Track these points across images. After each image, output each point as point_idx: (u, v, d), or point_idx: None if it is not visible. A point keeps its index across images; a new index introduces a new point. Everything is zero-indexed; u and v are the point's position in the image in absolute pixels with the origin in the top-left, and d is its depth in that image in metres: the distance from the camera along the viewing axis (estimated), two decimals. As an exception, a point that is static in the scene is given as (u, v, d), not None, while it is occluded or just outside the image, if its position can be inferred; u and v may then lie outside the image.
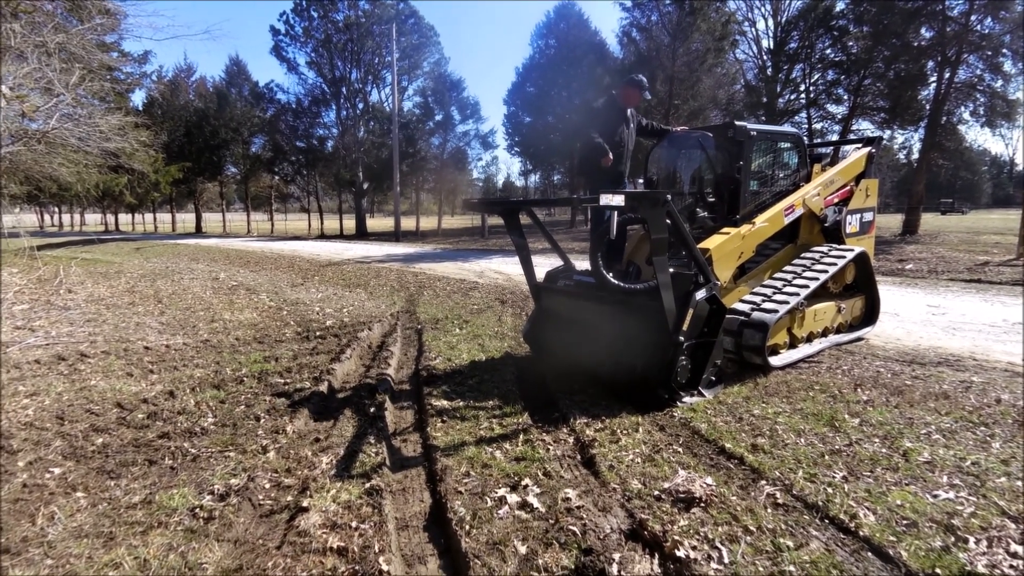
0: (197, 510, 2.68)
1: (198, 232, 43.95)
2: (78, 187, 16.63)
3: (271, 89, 38.78)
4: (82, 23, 12.25)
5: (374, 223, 45.71)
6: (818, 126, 25.36)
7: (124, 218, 58.74)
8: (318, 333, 6.58)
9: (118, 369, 5.18)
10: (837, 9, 23.09)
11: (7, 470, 3.16)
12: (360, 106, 36.10)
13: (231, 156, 41.25)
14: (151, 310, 8.33)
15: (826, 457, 3.19)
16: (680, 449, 3.34)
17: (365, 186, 36.81)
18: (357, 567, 2.24)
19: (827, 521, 2.55)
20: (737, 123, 5.30)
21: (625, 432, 3.58)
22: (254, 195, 47.36)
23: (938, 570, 2.20)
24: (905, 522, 2.53)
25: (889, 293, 8.78)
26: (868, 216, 6.46)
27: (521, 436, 3.53)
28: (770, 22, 24.83)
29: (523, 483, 2.90)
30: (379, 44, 34.35)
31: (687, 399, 4.09)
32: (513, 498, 2.76)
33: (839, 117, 24.62)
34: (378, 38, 34.12)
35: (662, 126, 6.17)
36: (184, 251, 22.15)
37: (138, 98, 36.36)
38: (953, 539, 2.41)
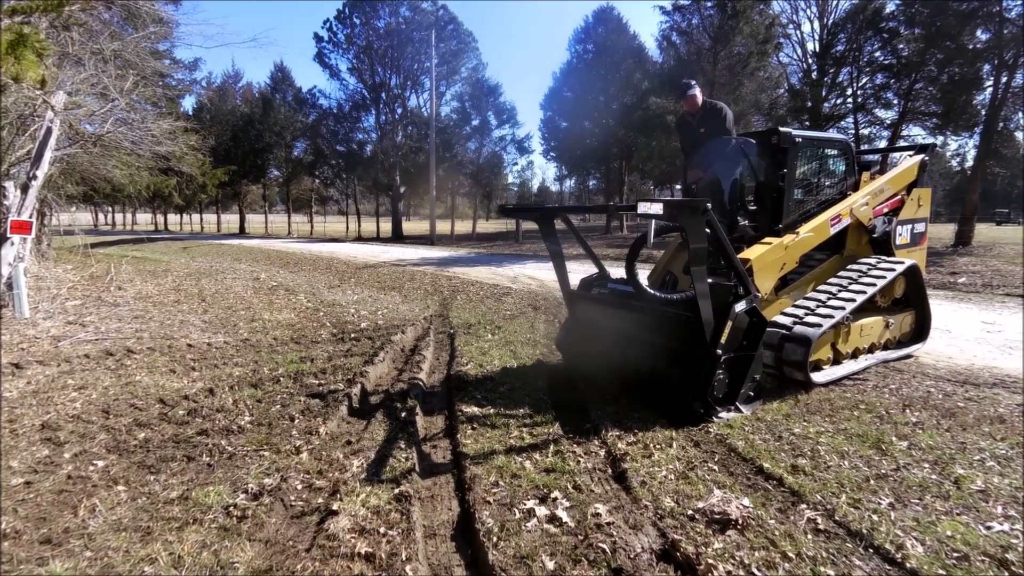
0: (231, 508, 2.73)
1: (241, 233, 45.34)
2: (130, 188, 17.35)
3: (313, 94, 39.82)
4: (137, 31, 12.81)
5: (410, 226, 46.27)
6: (865, 131, 24.50)
7: (172, 218, 61.10)
8: (353, 335, 6.67)
9: (162, 366, 5.35)
10: (887, 10, 22.28)
11: (54, 461, 3.28)
12: (399, 111, 36.65)
13: (274, 159, 42.46)
14: (195, 308, 8.60)
15: (871, 482, 3.05)
16: (715, 467, 3.24)
17: (402, 190, 37.33)
18: (384, 575, 2.23)
19: (872, 551, 2.43)
20: (782, 129, 5.14)
21: (658, 447, 3.50)
22: (295, 197, 48.57)
23: (995, 610, 2.06)
24: (955, 555, 2.39)
25: (941, 308, 8.37)
26: (920, 227, 6.18)
27: (551, 447, 3.48)
28: (816, 24, 24.13)
29: (552, 495, 2.86)
30: (418, 50, 34.82)
31: (724, 414, 3.98)
32: (542, 511, 2.72)
33: (888, 122, 23.75)
34: (418, 44, 34.60)
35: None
36: (228, 251, 22.86)
37: (188, 103, 37.79)
38: (1007, 575, 2.26)
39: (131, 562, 2.34)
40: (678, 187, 6.33)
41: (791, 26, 24.95)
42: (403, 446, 3.47)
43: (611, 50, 32.68)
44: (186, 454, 3.39)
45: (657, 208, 3.43)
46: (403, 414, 4.04)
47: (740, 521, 2.59)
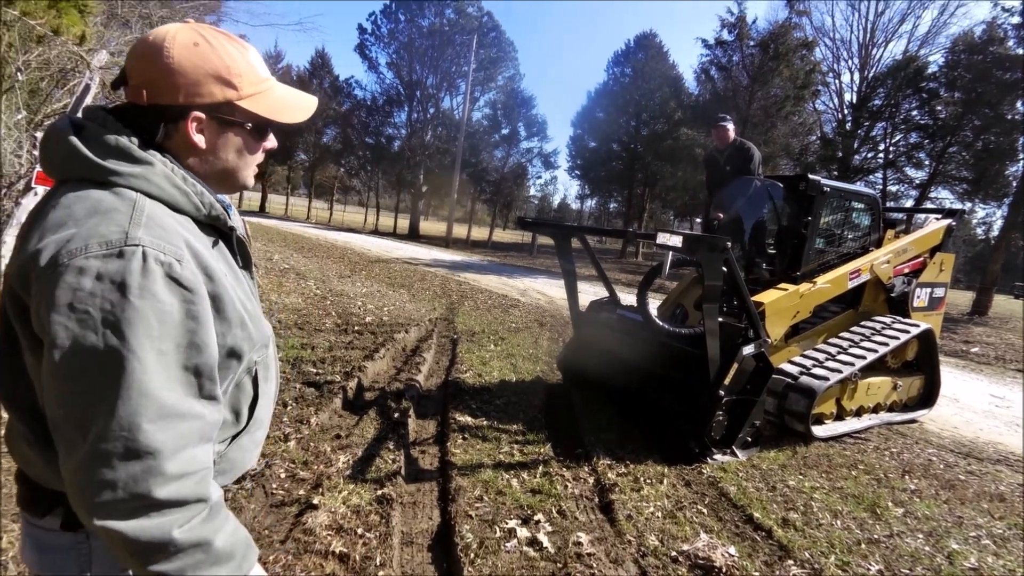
0: (212, 489, 2.70)
1: (261, 211, 45.76)
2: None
3: (350, 84, 40.25)
4: (186, 0, 13.02)
5: (427, 226, 46.45)
6: (893, 188, 24.37)
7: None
8: (356, 328, 6.66)
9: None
10: (929, 71, 22.21)
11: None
12: (431, 110, 36.96)
13: (303, 143, 42.86)
14: (204, 281, 8.64)
15: (863, 546, 2.97)
16: (705, 510, 3.17)
17: (424, 189, 37.54)
18: (355, 578, 2.20)
19: (857, 619, 2.35)
20: (811, 176, 5.09)
21: (649, 481, 3.43)
22: (318, 183, 48.98)
23: None
24: (945, 635, 2.31)
25: (951, 376, 8.23)
26: (939, 292, 6.08)
27: (540, 467, 3.43)
28: (856, 76, 24.17)
29: (535, 518, 2.81)
30: (458, 53, 35.17)
31: (719, 456, 3.90)
32: (523, 532, 2.67)
33: (917, 182, 23.61)
34: (458, 47, 34.95)
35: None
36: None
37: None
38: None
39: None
40: (699, 220, 6.30)
41: (831, 75, 25.02)
42: (392, 447, 3.44)
43: (648, 76, 32.84)
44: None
45: (676, 240, 3.39)
46: (396, 414, 4.00)
47: (724, 570, 2.53)
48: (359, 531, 2.49)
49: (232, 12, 15.81)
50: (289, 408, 3.90)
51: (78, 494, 0.76)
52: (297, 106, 1.07)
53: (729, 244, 3.51)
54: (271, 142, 1.07)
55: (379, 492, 2.84)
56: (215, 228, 0.97)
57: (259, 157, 1.06)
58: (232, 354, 0.94)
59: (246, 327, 0.95)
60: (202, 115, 0.92)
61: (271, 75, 1.05)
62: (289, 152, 42.88)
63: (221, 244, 0.98)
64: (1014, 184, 19.76)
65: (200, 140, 0.94)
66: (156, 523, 0.76)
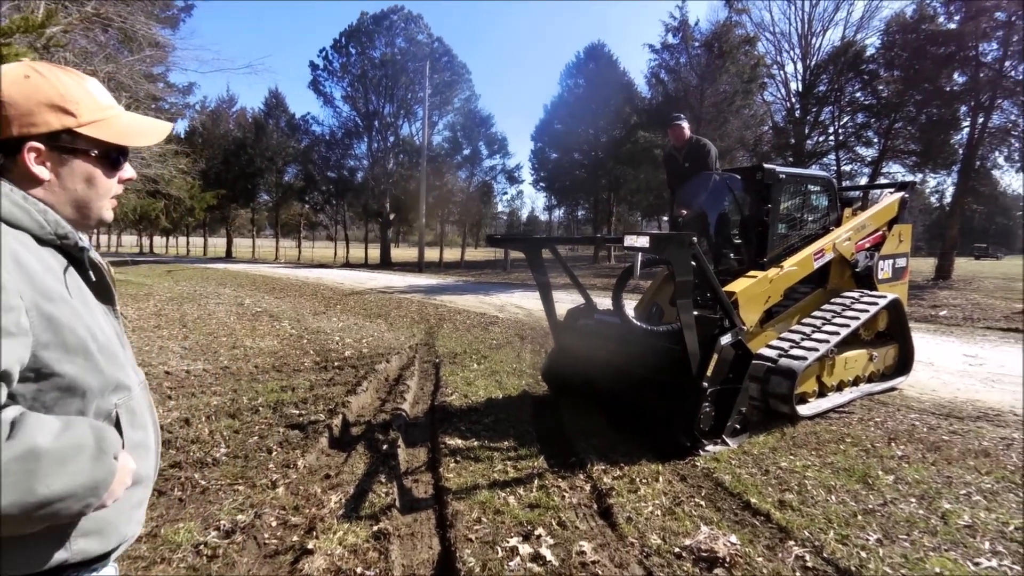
0: (201, 547, 2.62)
1: (228, 257, 45.01)
2: (116, 210, 17.19)
3: (307, 121, 40.19)
4: (132, 54, 12.88)
5: (399, 253, 46.28)
6: (847, 168, 25.17)
7: (158, 241, 60.61)
8: (336, 363, 6.57)
9: (138, 393, 5.20)
10: (868, 53, 23.10)
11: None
12: (391, 139, 37.05)
13: (264, 184, 42.45)
14: (175, 334, 8.45)
15: (859, 517, 3.01)
16: (702, 502, 3.19)
17: (392, 217, 37.47)
18: (359, 618, 2.14)
19: (861, 591, 2.38)
20: (766, 166, 5.24)
21: (644, 481, 3.44)
22: (284, 222, 48.49)
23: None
24: (946, 595, 2.35)
25: (923, 341, 8.45)
26: (901, 262, 6.28)
27: (536, 481, 3.41)
28: (799, 65, 24.93)
29: (536, 533, 2.78)
30: (412, 80, 35.40)
31: (710, 447, 3.93)
32: (525, 549, 2.64)
33: (869, 160, 24.43)
34: (412, 74, 35.18)
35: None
36: (213, 275, 22.65)
37: (180, 127, 37.89)
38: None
39: (92, 603, 2.22)
40: (666, 219, 6.41)
41: (775, 66, 25.79)
42: (383, 480, 3.38)
43: (601, 85, 33.43)
44: (157, 488, 3.26)
45: (644, 241, 3.45)
46: (385, 446, 3.95)
47: (728, 559, 2.53)
48: (358, 570, 2.44)
49: (180, 62, 15.62)
50: (274, 453, 3.81)
51: None
52: (147, 131, 1.07)
53: (695, 239, 3.57)
54: (128, 172, 1.06)
55: (375, 528, 2.79)
56: (67, 255, 0.95)
57: (114, 188, 1.05)
58: (70, 389, 0.89)
59: (92, 359, 0.91)
60: (40, 146, 0.92)
61: (117, 104, 1.04)
62: (251, 194, 42.40)
63: (73, 271, 0.96)
64: (960, 152, 20.57)
65: (42, 172, 0.93)
66: None
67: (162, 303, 12.47)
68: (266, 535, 2.77)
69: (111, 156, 1.01)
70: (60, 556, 0.89)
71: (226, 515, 2.94)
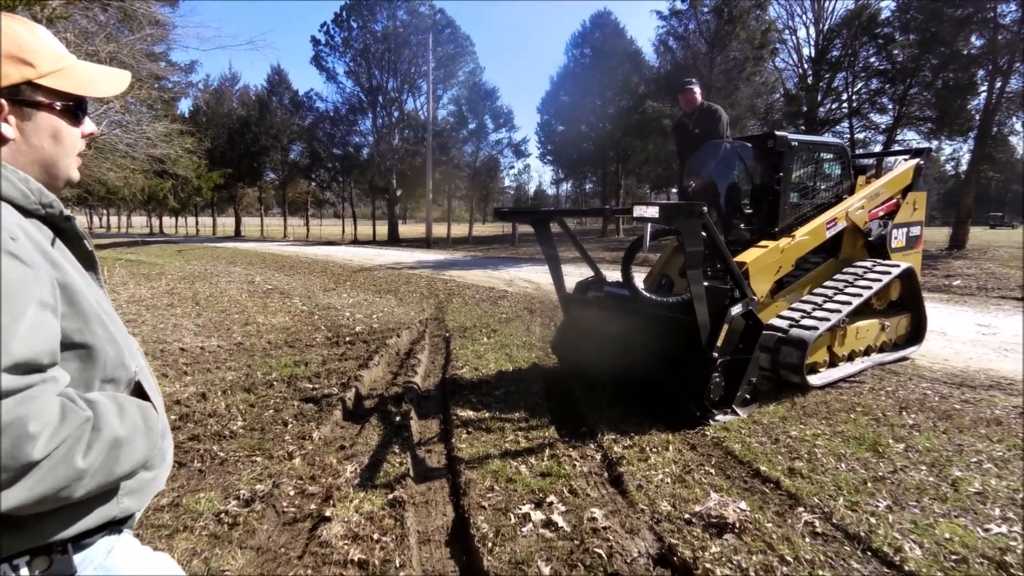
0: (222, 515, 2.69)
1: (237, 236, 45.22)
2: (125, 191, 17.29)
3: (310, 97, 39.77)
4: (133, 33, 12.77)
5: (406, 229, 46.20)
6: (860, 136, 24.63)
7: (168, 221, 60.92)
8: (347, 339, 6.63)
9: (154, 370, 5.29)
10: (882, 16, 22.42)
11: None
12: (395, 114, 36.66)
13: (270, 162, 42.33)
14: (189, 312, 8.55)
15: (869, 484, 3.03)
16: (712, 470, 3.22)
17: (398, 193, 37.30)
18: (377, 582, 2.20)
19: (870, 554, 2.41)
20: (778, 133, 5.14)
21: (655, 450, 3.47)
22: (291, 200, 48.48)
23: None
24: (954, 557, 2.38)
25: (936, 311, 8.39)
26: (915, 230, 6.19)
27: (547, 451, 3.45)
28: (811, 30, 24.26)
29: (548, 500, 2.83)
30: (416, 54, 34.86)
31: (720, 417, 3.96)
32: (538, 515, 2.69)
33: (883, 127, 23.87)
34: (415, 48, 34.63)
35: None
36: (223, 254, 22.78)
37: (184, 106, 37.71)
38: (1008, 579, 2.24)
39: (119, 569, 2.30)
40: (674, 190, 6.33)
41: (787, 31, 25.11)
42: (397, 451, 3.44)
43: (608, 54, 32.77)
44: (177, 460, 3.34)
45: (653, 212, 3.41)
46: (397, 418, 4.00)
47: (737, 524, 2.57)
48: (375, 536, 2.50)
49: (181, 39, 15.49)
50: (290, 426, 3.88)
51: None
52: (107, 80, 1.02)
53: (705, 209, 3.54)
54: (89, 126, 1.02)
55: (390, 496, 2.84)
56: (51, 225, 0.92)
57: (78, 144, 1.00)
58: (92, 359, 0.89)
59: (106, 328, 0.91)
60: (2, 102, 0.87)
61: (71, 54, 0.99)
62: (257, 172, 42.35)
63: (60, 243, 0.93)
64: (977, 118, 20.07)
65: (7, 130, 0.88)
66: (58, 471, 0.76)
67: (174, 282, 12.58)
68: (284, 503, 2.84)
69: (71, 109, 0.96)
70: (110, 513, 0.94)
71: (245, 485, 3.01)
